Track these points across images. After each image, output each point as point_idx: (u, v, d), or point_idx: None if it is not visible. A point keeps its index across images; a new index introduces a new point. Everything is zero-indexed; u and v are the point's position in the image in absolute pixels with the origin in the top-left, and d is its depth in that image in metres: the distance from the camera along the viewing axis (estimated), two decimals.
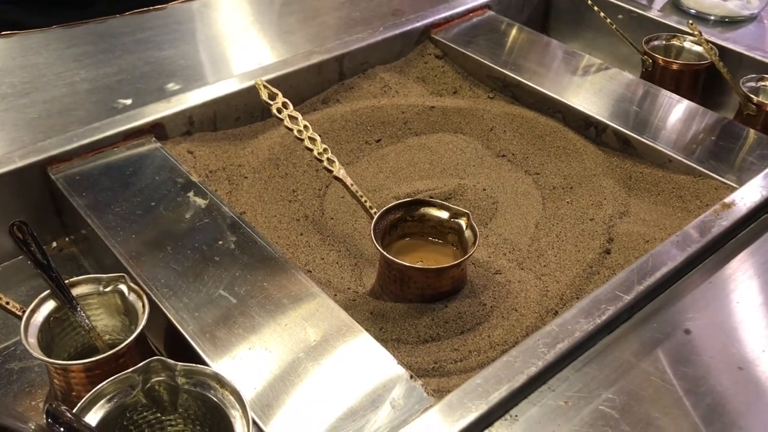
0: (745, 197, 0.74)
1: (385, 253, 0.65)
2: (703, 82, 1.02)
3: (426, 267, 0.67)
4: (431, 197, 0.79)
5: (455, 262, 0.66)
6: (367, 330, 0.61)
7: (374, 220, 0.67)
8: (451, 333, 0.65)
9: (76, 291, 0.59)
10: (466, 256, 0.66)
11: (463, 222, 0.69)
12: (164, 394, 0.51)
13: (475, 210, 0.80)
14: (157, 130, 0.83)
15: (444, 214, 0.70)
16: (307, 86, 0.96)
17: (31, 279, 0.74)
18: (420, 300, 0.66)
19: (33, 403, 0.64)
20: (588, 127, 0.90)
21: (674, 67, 1.00)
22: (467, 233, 0.68)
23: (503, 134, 0.93)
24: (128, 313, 0.60)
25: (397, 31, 1.03)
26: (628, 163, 0.86)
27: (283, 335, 0.60)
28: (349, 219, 0.79)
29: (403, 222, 0.70)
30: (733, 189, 0.76)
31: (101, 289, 0.60)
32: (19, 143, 0.79)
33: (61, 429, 0.43)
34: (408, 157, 0.89)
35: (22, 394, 0.64)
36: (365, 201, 0.69)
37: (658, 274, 0.65)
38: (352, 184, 0.69)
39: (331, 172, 0.69)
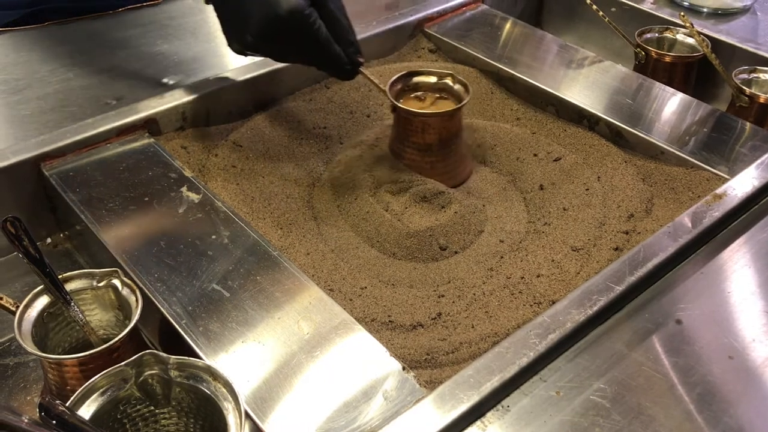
0: (736, 188, 0.74)
1: (405, 107, 0.78)
2: (695, 74, 1.02)
3: (440, 111, 0.79)
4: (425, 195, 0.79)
5: (458, 105, 0.78)
6: (360, 321, 0.61)
7: (388, 89, 0.79)
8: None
9: (69, 286, 0.60)
10: (464, 102, 0.79)
11: (449, 80, 0.82)
12: (157, 387, 0.51)
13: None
14: (150, 125, 0.83)
15: (432, 78, 0.83)
16: (299, 80, 0.96)
17: (25, 275, 0.74)
18: (438, 144, 0.79)
19: (28, 398, 0.64)
20: (581, 120, 0.90)
21: (667, 59, 1.00)
22: (457, 87, 0.81)
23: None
24: (122, 307, 0.61)
25: (391, 26, 1.03)
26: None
27: (277, 329, 0.60)
28: (342, 213, 0.79)
29: (404, 92, 0.82)
30: (725, 180, 0.77)
31: (95, 284, 0.60)
32: (11, 140, 0.79)
33: (54, 422, 0.43)
34: None
35: (18, 389, 0.65)
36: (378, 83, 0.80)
37: (650, 265, 0.65)
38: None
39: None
